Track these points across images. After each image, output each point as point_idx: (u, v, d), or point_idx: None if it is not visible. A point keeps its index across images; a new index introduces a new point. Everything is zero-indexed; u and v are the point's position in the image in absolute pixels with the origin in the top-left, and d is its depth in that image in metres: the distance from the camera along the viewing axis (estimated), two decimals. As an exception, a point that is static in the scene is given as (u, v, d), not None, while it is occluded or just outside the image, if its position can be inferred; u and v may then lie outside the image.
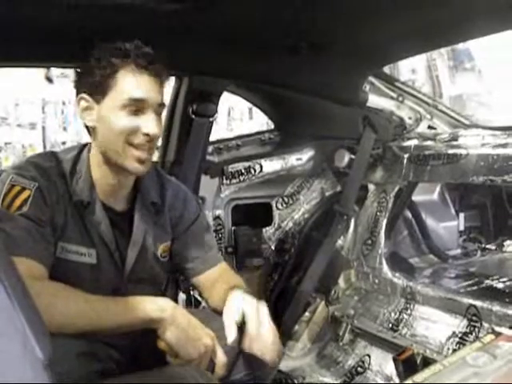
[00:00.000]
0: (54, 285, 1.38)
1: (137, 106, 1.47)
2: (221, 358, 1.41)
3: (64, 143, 8.10)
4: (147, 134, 1.47)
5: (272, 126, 3.23)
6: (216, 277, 1.77)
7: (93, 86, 1.49)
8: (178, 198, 1.77)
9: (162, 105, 1.54)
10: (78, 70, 1.55)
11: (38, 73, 7.84)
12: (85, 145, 1.62)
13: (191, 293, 2.50)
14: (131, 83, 1.46)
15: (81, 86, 1.53)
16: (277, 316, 2.84)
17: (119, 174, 1.56)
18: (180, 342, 1.36)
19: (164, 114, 2.50)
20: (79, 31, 1.74)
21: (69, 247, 1.50)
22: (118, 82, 1.46)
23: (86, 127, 1.58)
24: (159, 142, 2.64)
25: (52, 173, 1.51)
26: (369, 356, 2.62)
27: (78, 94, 1.54)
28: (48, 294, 1.30)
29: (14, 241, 1.35)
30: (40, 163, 1.51)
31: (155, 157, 2.69)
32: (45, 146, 8.43)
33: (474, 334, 2.27)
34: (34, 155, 1.63)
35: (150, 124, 1.47)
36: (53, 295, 1.32)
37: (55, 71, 7.93)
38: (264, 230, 2.98)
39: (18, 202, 1.42)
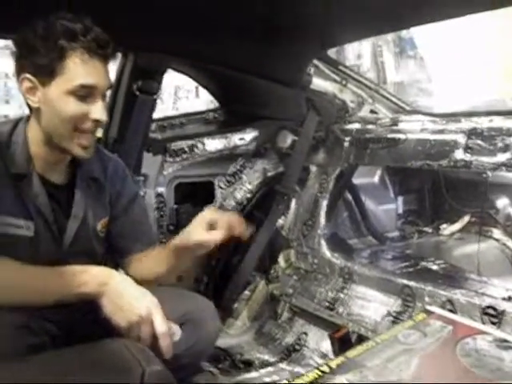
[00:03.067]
0: None
1: (86, 92, 1.44)
2: (158, 327, 1.36)
3: (6, 116, 7.89)
4: (96, 121, 1.46)
5: (217, 106, 3.22)
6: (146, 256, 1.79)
7: (38, 67, 1.43)
8: (117, 174, 1.77)
9: (110, 87, 1.52)
10: (17, 43, 1.48)
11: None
12: (20, 118, 1.59)
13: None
14: (81, 69, 1.42)
15: (24, 65, 1.46)
16: (217, 294, 2.86)
17: (60, 154, 1.55)
18: (112, 311, 1.37)
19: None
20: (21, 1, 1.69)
21: (6, 220, 1.48)
22: (68, 67, 1.41)
23: (28, 105, 1.53)
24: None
25: None
26: (306, 334, 2.68)
27: (20, 71, 1.47)
28: None
29: None
30: None
31: (98, 133, 2.66)
32: (-15, 119, 8.20)
33: (407, 313, 2.35)
34: None
35: (99, 110, 1.46)
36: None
37: (-2, 42, 7.70)
38: (206, 208, 2.98)
39: None
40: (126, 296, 1.38)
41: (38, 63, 1.43)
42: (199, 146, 2.85)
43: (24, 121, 1.57)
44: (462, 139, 2.42)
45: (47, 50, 1.41)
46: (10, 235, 1.49)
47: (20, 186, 1.51)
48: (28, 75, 1.45)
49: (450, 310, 2.12)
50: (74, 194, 1.63)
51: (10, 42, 1.55)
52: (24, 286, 1.36)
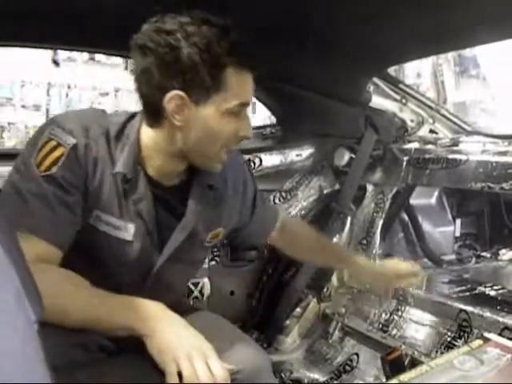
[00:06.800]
0: (62, 274, 1.28)
1: (240, 110, 1.35)
2: (215, 370, 1.20)
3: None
4: (244, 137, 1.40)
5: (274, 121, 3.23)
6: (283, 227, 1.92)
7: (192, 82, 1.27)
8: (238, 180, 1.68)
9: None
10: (160, 57, 1.27)
11: (45, 55, 7.82)
12: (134, 114, 1.45)
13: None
14: (241, 86, 1.32)
15: (166, 79, 1.28)
16: (269, 310, 2.85)
17: (180, 162, 1.44)
18: (156, 352, 1.22)
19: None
20: (101, 17, 1.72)
21: (104, 217, 1.38)
22: (227, 82, 1.29)
23: (149, 111, 1.38)
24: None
25: (96, 132, 1.36)
26: (357, 355, 2.63)
27: (163, 89, 1.29)
28: (54, 283, 1.20)
29: (32, 214, 1.25)
30: (85, 118, 1.37)
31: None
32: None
33: (463, 338, 2.28)
34: (84, 109, 1.53)
35: (248, 127, 1.39)
36: (58, 285, 1.22)
37: (62, 54, 7.92)
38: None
39: (48, 161, 1.28)
40: (173, 336, 1.24)
41: (191, 78, 1.27)
42: (256, 160, 2.86)
43: (138, 120, 1.43)
44: None
45: (205, 63, 1.26)
46: (105, 233, 1.39)
47: (124, 186, 1.39)
48: (179, 92, 1.28)
49: (509, 338, 2.05)
50: (187, 202, 1.50)
51: (72, 54, 1.58)
52: (88, 312, 1.25)
